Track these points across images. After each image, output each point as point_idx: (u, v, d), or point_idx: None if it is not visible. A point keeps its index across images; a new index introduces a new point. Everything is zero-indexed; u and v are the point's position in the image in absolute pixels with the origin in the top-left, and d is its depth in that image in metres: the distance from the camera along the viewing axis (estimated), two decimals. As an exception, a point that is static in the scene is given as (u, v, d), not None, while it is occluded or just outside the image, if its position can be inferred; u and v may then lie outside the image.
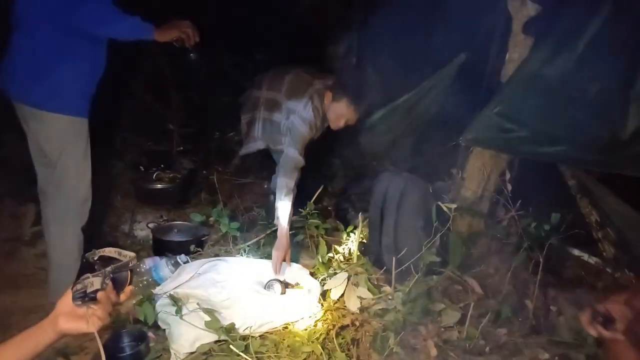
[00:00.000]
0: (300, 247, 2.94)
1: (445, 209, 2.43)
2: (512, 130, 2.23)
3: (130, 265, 1.22)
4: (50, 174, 2.30)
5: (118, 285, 1.19)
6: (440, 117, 2.98)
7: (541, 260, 2.38)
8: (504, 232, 2.70)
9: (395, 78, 3.36)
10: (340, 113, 2.74)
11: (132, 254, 1.24)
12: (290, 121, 2.77)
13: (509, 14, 2.43)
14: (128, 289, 1.22)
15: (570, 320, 2.31)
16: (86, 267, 1.18)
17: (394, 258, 2.43)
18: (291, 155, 2.68)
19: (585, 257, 2.84)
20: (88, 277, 1.12)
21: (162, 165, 3.56)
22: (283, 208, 2.57)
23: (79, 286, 1.10)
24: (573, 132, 2.03)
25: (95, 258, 1.30)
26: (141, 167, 3.59)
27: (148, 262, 2.57)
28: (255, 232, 3.15)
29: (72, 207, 2.33)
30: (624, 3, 1.87)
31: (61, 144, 2.23)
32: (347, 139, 4.59)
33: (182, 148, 4.12)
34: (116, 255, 1.24)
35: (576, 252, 2.88)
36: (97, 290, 1.10)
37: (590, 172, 2.24)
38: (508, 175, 2.68)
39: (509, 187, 2.67)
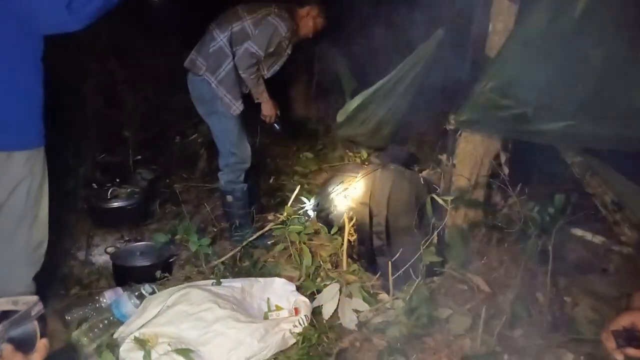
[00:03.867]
0: (280, 258, 2.63)
1: (441, 202, 2.18)
2: (509, 107, 1.98)
3: (33, 313, 0.90)
4: None
5: (24, 345, 0.88)
6: (422, 100, 2.72)
7: (550, 247, 2.17)
8: (504, 220, 2.46)
9: (368, 62, 3.09)
10: (308, 18, 2.81)
11: (33, 299, 0.92)
12: (263, 18, 2.61)
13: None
14: (40, 344, 0.91)
15: (589, 311, 2.11)
16: None
17: (389, 262, 2.16)
18: (252, 50, 2.57)
19: (589, 236, 2.63)
20: None
21: (117, 180, 3.16)
22: (260, 89, 2.69)
23: None
24: (581, 104, 1.79)
25: None
26: (94, 185, 3.18)
27: (108, 296, 2.22)
28: (231, 244, 2.84)
29: (21, 255, 1.91)
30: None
31: (10, 183, 1.82)
32: (321, 130, 4.32)
33: (139, 157, 3.74)
34: (10, 307, 0.91)
35: (579, 232, 2.67)
36: None
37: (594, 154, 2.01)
38: (504, 157, 2.44)
39: (506, 170, 2.43)
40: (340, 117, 3.20)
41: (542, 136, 1.95)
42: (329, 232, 2.74)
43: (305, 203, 2.93)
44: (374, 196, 2.30)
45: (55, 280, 2.52)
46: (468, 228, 2.47)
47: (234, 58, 2.60)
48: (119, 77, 3.75)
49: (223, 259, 2.57)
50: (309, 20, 2.84)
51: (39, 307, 0.92)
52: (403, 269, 2.16)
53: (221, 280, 2.22)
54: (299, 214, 2.84)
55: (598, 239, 2.61)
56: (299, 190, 2.86)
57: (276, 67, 2.79)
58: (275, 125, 2.96)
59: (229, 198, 2.86)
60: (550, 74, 1.90)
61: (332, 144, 4.15)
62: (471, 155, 2.46)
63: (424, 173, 2.79)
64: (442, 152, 2.64)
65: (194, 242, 2.47)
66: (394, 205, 2.27)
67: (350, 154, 3.91)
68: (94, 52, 3.68)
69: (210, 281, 2.21)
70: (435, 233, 2.22)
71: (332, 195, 2.78)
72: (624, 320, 1.15)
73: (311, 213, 2.96)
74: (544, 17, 1.95)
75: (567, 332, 2.03)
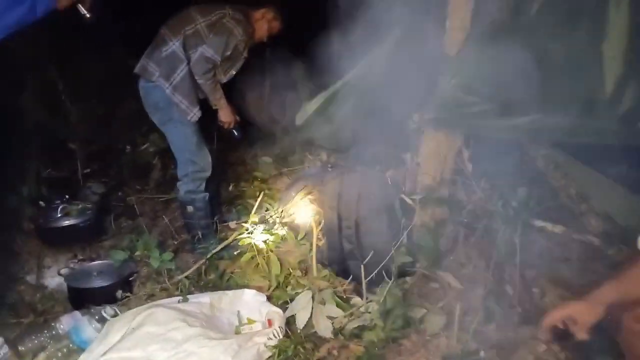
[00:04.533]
0: (247, 268, 2.54)
1: (409, 201, 2.16)
2: (473, 104, 1.99)
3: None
4: None
5: None
6: (383, 99, 2.70)
7: (516, 240, 2.21)
8: (470, 215, 2.48)
9: (324, 63, 3.04)
10: (263, 21, 2.75)
11: None
12: (218, 20, 2.52)
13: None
14: None
15: (556, 300, 2.16)
16: None
17: (362, 266, 2.12)
18: (208, 55, 2.47)
19: (549, 226, 2.71)
20: None
21: (66, 196, 2.96)
22: (217, 95, 2.62)
23: None
24: (543, 98, 1.81)
25: None
26: (41, 203, 2.95)
27: (65, 322, 2.06)
28: (193, 257, 2.71)
29: None
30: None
31: None
32: (277, 133, 4.23)
33: (88, 170, 3.53)
34: None
35: (539, 223, 2.74)
36: None
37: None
38: (467, 153, 2.46)
39: (470, 166, 2.46)
40: (299, 119, 3.13)
41: (507, 131, 1.97)
42: (296, 238, 2.68)
43: (268, 209, 2.85)
44: (342, 199, 2.26)
45: (4, 307, 2.33)
46: (436, 226, 2.48)
47: (188, 63, 2.49)
48: (61, 87, 3.51)
49: (187, 273, 2.45)
50: (264, 23, 2.77)
51: (5, 350, 0.81)
52: (375, 272, 2.13)
53: (187, 296, 2.11)
54: (263, 221, 2.76)
55: (558, 229, 2.68)
56: (261, 196, 2.78)
57: (233, 72, 2.70)
58: (234, 131, 2.87)
59: (190, 209, 2.74)
60: (511, 69, 1.92)
61: (290, 147, 4.09)
62: (435, 153, 2.46)
63: (389, 173, 2.78)
64: (406, 151, 2.64)
65: (155, 257, 2.34)
66: (363, 208, 2.23)
67: (310, 157, 3.86)
68: (33, 62, 3.45)
69: (176, 298, 2.09)
70: (405, 233, 2.21)
71: (297, 200, 2.71)
72: (559, 313, 1.18)
73: (276, 219, 2.88)
74: (502, 12, 1.98)
75: (537, 323, 2.07)
